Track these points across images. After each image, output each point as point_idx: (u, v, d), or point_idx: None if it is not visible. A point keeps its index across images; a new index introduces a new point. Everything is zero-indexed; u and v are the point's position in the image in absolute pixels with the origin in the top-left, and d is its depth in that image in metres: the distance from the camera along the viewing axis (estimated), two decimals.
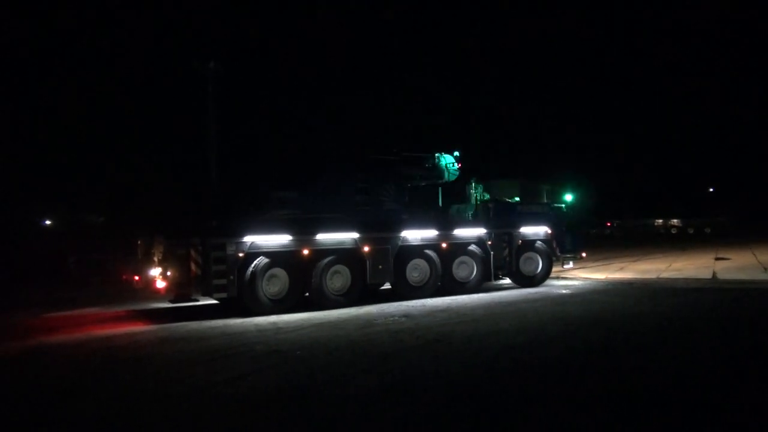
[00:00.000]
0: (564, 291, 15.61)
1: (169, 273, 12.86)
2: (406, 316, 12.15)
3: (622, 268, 21.31)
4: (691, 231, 55.31)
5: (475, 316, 11.61)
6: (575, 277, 19.26)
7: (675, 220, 58.87)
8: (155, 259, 13.25)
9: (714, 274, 17.62)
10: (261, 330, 11.17)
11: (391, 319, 11.82)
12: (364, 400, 6.15)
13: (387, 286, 15.92)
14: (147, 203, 13.45)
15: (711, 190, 68.29)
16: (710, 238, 43.62)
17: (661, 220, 60.80)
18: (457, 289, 16.03)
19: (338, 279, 14.54)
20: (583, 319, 10.77)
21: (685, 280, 16.95)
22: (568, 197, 18.67)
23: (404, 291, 15.37)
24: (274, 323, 11.89)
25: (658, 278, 17.85)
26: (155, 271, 13.12)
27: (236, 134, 13.91)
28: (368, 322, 11.46)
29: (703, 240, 41.02)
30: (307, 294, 14.30)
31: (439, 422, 5.38)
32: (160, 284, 12.93)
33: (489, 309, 12.68)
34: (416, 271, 15.64)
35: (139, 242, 14.09)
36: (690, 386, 6.16)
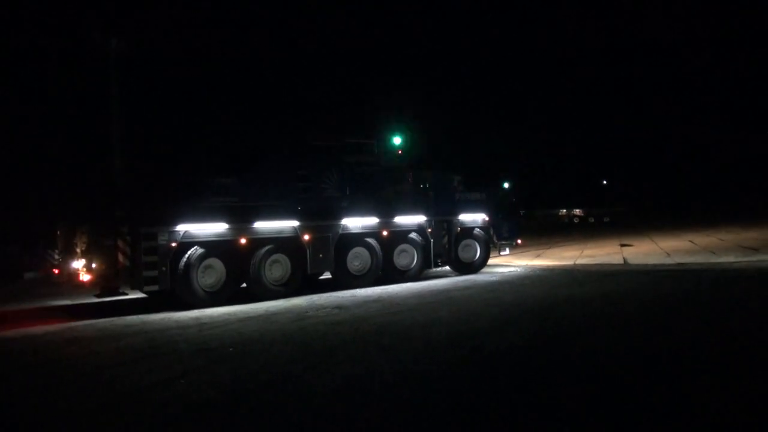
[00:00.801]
0: (491, 278, 15.54)
1: (94, 265, 11.79)
2: (339, 307, 11.57)
3: (539, 255, 21.58)
4: (591, 220, 57.65)
5: (410, 306, 11.20)
6: (495, 264, 19.29)
7: (578, 210, 61.12)
8: (78, 250, 12.13)
9: (625, 260, 18.23)
10: (183, 326, 10.21)
11: (324, 311, 11.20)
12: (323, 402, 5.52)
13: (327, 275, 15.40)
14: (52, 191, 12.18)
15: (604, 182, 71.69)
16: (610, 226, 45.55)
17: (564, 210, 62.92)
18: (398, 277, 15.72)
19: (278, 268, 13.87)
20: (517, 306, 10.56)
21: (600, 265, 17.39)
22: (505, 185, 18.74)
23: (345, 280, 14.89)
24: (197, 318, 11.01)
25: (575, 264, 18.25)
26: (79, 263, 12.01)
27: (169, 117, 12.84)
28: (300, 315, 10.77)
29: (603, 228, 42.67)
30: (244, 285, 13.58)
31: (424, 425, 4.93)
32: (85, 277, 11.84)
33: (422, 298, 12.29)
34: (357, 259, 15.18)
35: (58, 233, 12.87)
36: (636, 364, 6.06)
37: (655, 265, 16.34)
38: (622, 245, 23.69)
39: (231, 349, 8.00)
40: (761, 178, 65.05)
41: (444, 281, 15.58)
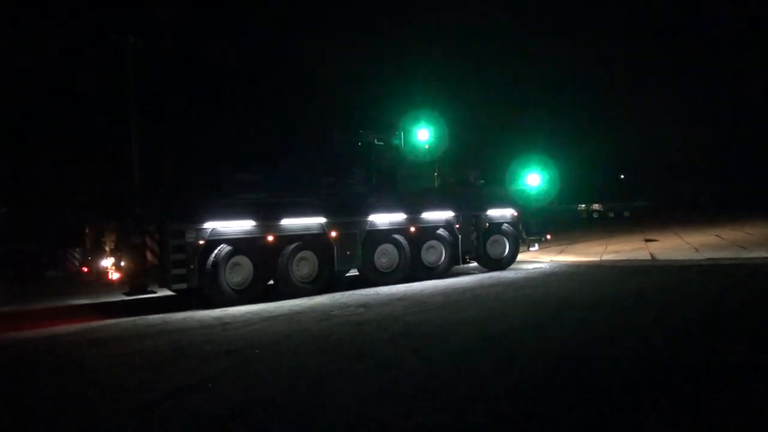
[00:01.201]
0: (516, 275, 15.08)
1: (122, 263, 11.72)
2: (363, 305, 11.24)
3: (562, 251, 20.97)
4: (611, 215, 56.30)
5: (437, 304, 10.85)
6: (521, 261, 18.74)
7: (596, 205, 59.67)
8: (107, 248, 12.07)
9: (652, 255, 17.65)
10: (206, 326, 9.93)
11: (348, 309, 10.89)
12: (359, 410, 5.23)
13: (354, 272, 15.17)
14: (77, 189, 12.12)
15: (622, 176, 70.22)
16: (630, 221, 44.53)
17: (583, 205, 61.44)
18: (426, 274, 15.43)
19: (305, 266, 13.68)
20: (546, 306, 10.19)
21: (629, 261, 16.83)
22: (535, 179, 18.27)
23: (373, 277, 14.64)
24: (219, 318, 10.72)
25: (601, 260, 17.72)
26: (107, 262, 11.96)
27: (196, 114, 12.70)
28: (324, 314, 10.46)
29: (624, 223, 41.63)
30: (272, 282, 13.43)
31: None
32: (114, 276, 11.79)
33: (447, 296, 11.90)
34: (385, 256, 14.91)
35: (87, 231, 12.83)
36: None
37: (684, 261, 15.74)
38: (647, 240, 23.00)
39: (257, 351, 7.78)
40: None
41: (468, 278, 15.15)
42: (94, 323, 10.99)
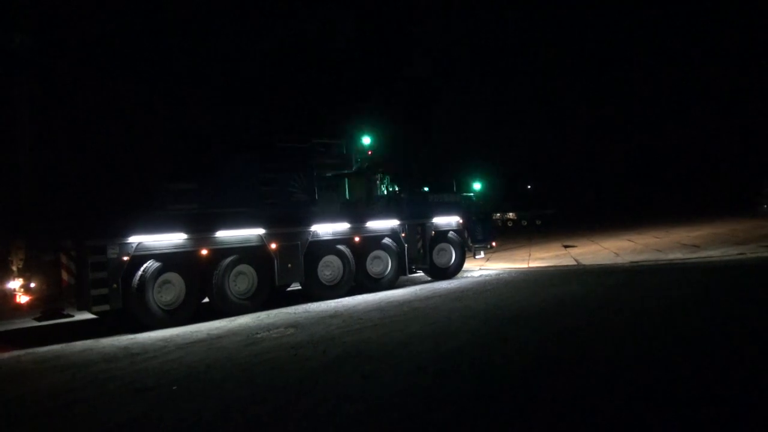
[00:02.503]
0: (448, 285, 14.37)
1: (33, 285, 10.12)
2: (293, 326, 9.89)
3: (488, 259, 20.72)
4: (524, 223, 57.29)
5: (374, 321, 9.78)
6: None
7: (511, 214, 60.47)
8: (14, 268, 10.43)
9: (577, 261, 17.60)
10: (109, 359, 8.28)
11: (276, 331, 9.51)
12: None
13: (296, 286, 14.01)
14: None
15: (528, 186, 72.25)
16: (544, 229, 45.37)
17: (498, 214, 62.07)
18: (373, 285, 14.48)
19: (243, 281, 12.42)
20: (489, 314, 9.47)
21: (556, 267, 16.67)
22: (477, 186, 17.73)
23: (316, 291, 13.52)
24: (126, 348, 9.03)
25: (528, 267, 17.48)
26: (15, 284, 10.31)
27: (119, 113, 11.25)
28: (249, 338, 9.06)
29: (538, 231, 42.26)
30: (206, 300, 12.10)
31: None
32: (22, 299, 10.16)
33: (383, 311, 10.83)
34: (328, 268, 13.84)
35: None
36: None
37: (610, 265, 15.80)
38: (566, 246, 23.18)
39: (174, 388, 6.45)
40: (669, 176, 66.95)
41: (402, 291, 13.99)
42: None
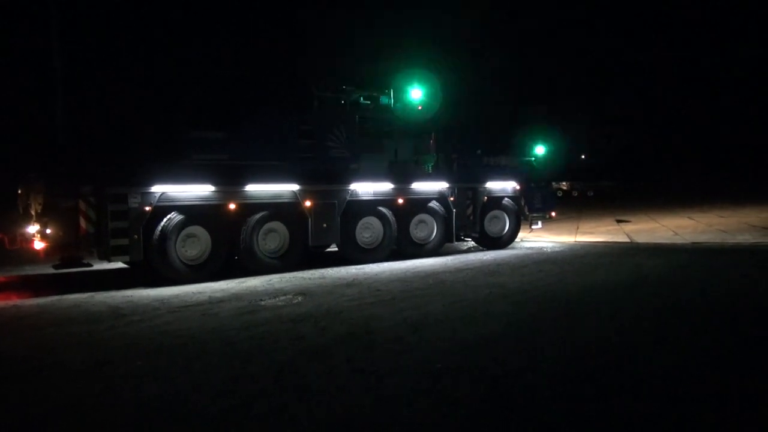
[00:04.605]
0: (483, 257, 12.72)
1: (49, 231, 9.41)
2: (303, 293, 8.62)
3: (531, 231, 18.71)
4: (575, 194, 53.23)
5: (392, 294, 8.35)
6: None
7: (564, 184, 56.07)
8: (32, 212, 9.78)
9: (630, 238, 15.55)
10: (93, 320, 7.19)
11: (282, 299, 8.25)
12: None
13: (333, 248, 12.82)
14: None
15: (583, 156, 67.06)
16: (597, 201, 41.83)
17: (554, 183, 57.71)
18: (416, 251, 13.10)
19: (273, 239, 11.34)
20: (522, 295, 7.91)
21: (605, 244, 14.69)
22: (540, 150, 15.79)
23: (353, 254, 12.28)
24: (117, 308, 7.95)
25: (576, 241, 15.59)
26: (33, 228, 9.66)
27: (146, 55, 10.21)
28: (251, 305, 7.90)
29: (591, 203, 38.90)
30: (236, 257, 11.13)
31: None
32: (38, 245, 9.50)
33: (406, 282, 9.37)
34: (368, 231, 12.54)
35: (19, 192, 10.53)
36: None
37: (667, 245, 13.72)
38: (619, 221, 20.85)
39: (139, 363, 5.36)
40: (734, 156, 60.52)
41: (431, 261, 12.34)
42: None
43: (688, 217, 20.60)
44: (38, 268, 11.50)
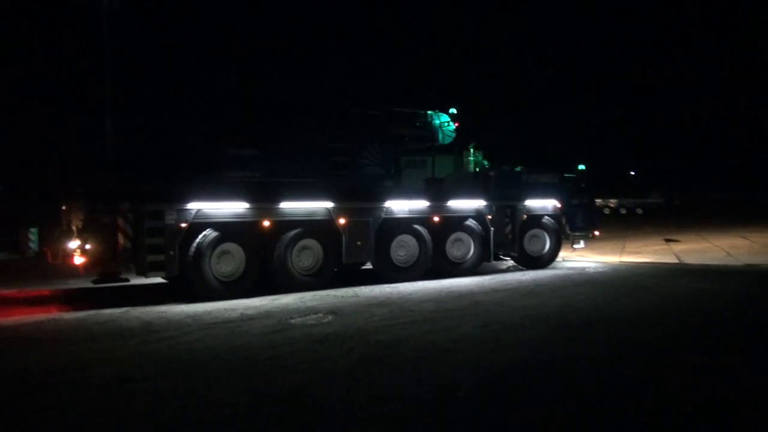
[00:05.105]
0: (521, 277, 12.29)
1: (89, 246, 9.62)
2: (333, 312, 8.58)
3: (574, 250, 18.01)
4: (623, 211, 51.08)
5: (424, 314, 8.15)
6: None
7: (611, 201, 53.85)
8: (74, 228, 10.02)
9: (678, 258, 14.83)
10: (125, 335, 7.23)
11: (312, 317, 8.21)
12: None
13: (368, 265, 12.67)
14: (55, 164, 9.98)
15: (632, 173, 64.49)
16: (644, 219, 40.07)
17: (600, 200, 55.45)
18: (452, 270, 12.81)
19: (307, 256, 11.27)
20: (559, 319, 7.54)
21: (652, 264, 14.04)
22: (582, 166, 15.31)
23: (388, 272, 12.07)
24: (149, 324, 8.01)
25: (620, 261, 15.01)
26: (73, 244, 9.89)
27: (182, 76, 10.40)
28: (280, 323, 7.85)
29: (638, 221, 37.31)
30: (270, 274, 11.09)
31: None
32: (78, 260, 9.71)
33: (439, 302, 9.13)
34: (403, 249, 12.34)
35: (62, 208, 10.83)
36: None
37: (718, 266, 13.02)
38: (668, 240, 19.95)
39: (161, 382, 5.29)
40: None
41: (467, 280, 12.04)
42: None
43: (743, 237, 19.64)
44: (79, 282, 11.76)
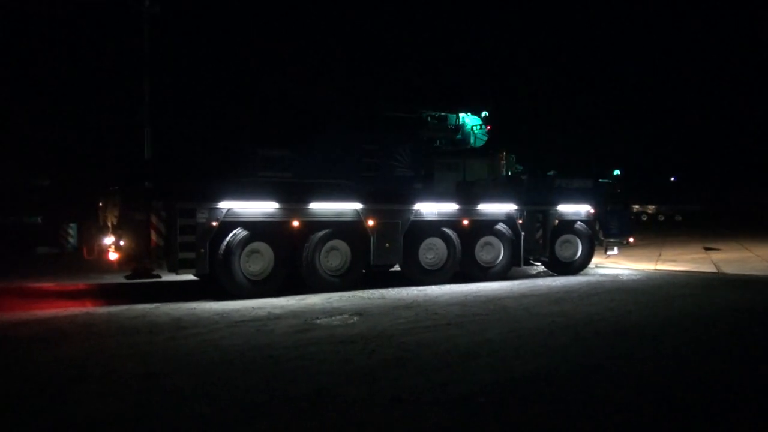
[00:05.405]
0: (551, 283, 12.01)
1: (123, 242, 9.85)
2: (359, 314, 8.54)
3: (607, 257, 17.52)
4: (661, 218, 49.43)
5: (449, 318, 8.05)
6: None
7: (649, 207, 52.00)
8: (109, 224, 10.28)
9: (717, 267, 14.35)
10: (154, 329, 7.43)
11: (338, 318, 8.21)
12: None
13: (397, 267, 12.63)
14: (97, 161, 10.27)
15: (672, 179, 62.23)
16: (683, 226, 38.69)
17: (637, 206, 53.67)
18: (481, 274, 12.67)
19: (335, 257, 11.31)
20: (586, 327, 7.35)
21: (689, 273, 13.59)
22: (617, 171, 14.96)
23: (416, 275, 12.03)
24: (178, 320, 8.12)
25: (655, 269, 14.59)
26: (109, 240, 10.15)
27: (215, 77, 10.58)
28: (306, 323, 7.85)
29: (677, 228, 36.04)
30: (298, 274, 11.17)
31: None
32: (113, 256, 9.96)
33: (465, 306, 9.00)
34: (431, 252, 12.26)
35: (99, 204, 11.13)
36: None
37: (759, 277, 12.53)
38: (707, 249, 19.30)
39: (186, 378, 5.35)
40: None
41: (496, 285, 11.85)
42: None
43: None
44: (114, 277, 12.05)
